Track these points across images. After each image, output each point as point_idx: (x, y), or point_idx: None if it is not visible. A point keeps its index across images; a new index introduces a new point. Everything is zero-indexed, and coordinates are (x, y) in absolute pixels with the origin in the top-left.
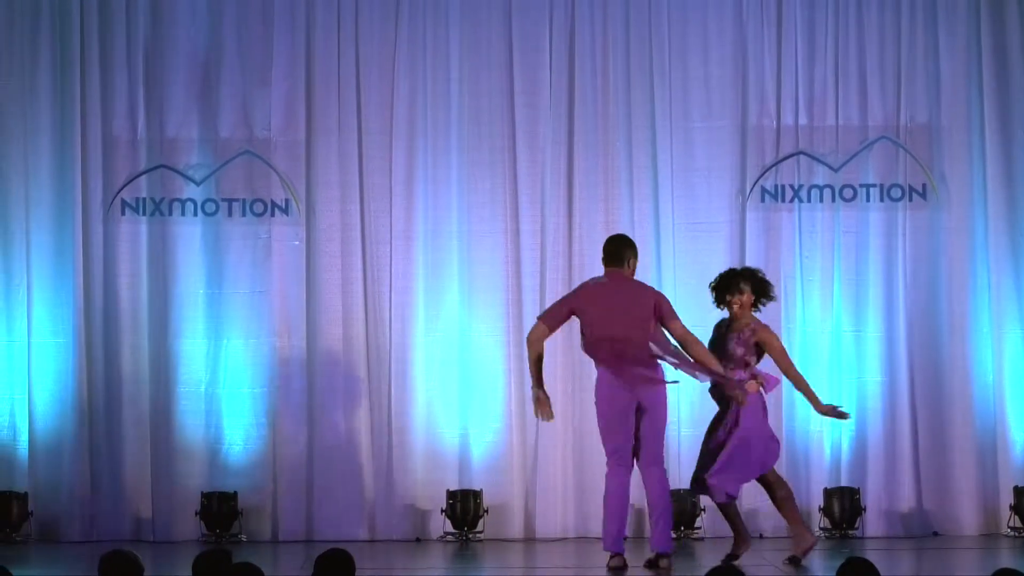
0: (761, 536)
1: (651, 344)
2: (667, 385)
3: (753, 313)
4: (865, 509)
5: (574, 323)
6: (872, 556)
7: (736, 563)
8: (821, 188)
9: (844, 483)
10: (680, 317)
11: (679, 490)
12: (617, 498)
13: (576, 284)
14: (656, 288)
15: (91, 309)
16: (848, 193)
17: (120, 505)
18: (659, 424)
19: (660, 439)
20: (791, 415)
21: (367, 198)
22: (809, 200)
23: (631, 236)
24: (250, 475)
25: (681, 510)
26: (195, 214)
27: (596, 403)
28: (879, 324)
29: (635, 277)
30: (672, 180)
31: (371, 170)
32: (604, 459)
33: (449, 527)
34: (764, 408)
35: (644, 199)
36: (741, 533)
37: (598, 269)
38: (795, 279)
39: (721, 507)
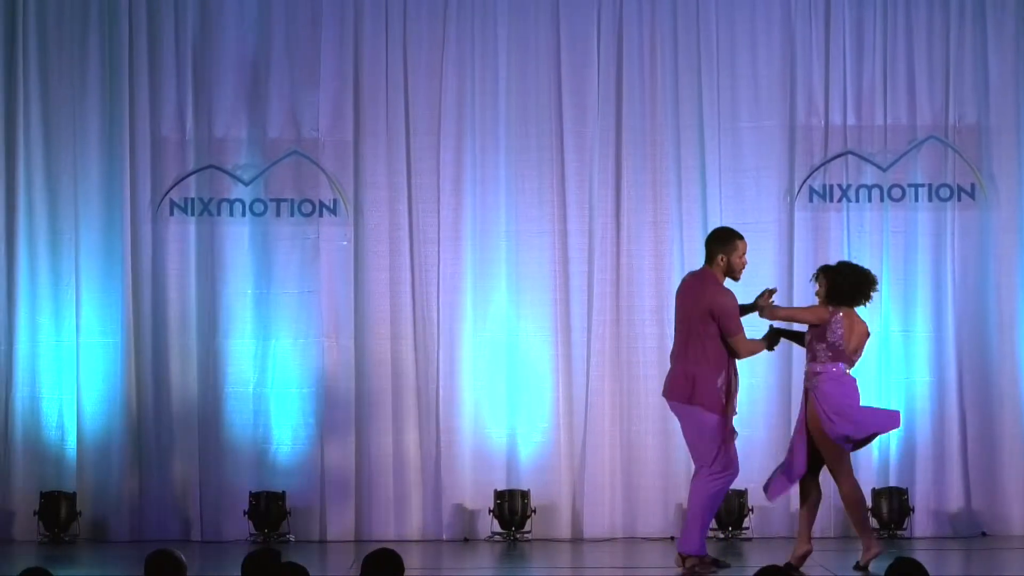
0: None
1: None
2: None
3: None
4: (913, 509)
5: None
6: (921, 556)
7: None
8: (869, 188)
9: (893, 483)
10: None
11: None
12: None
13: (624, 284)
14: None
15: (139, 309)
16: (896, 193)
17: (168, 505)
18: (686, 435)
19: (692, 448)
20: None
21: (415, 198)
22: (857, 200)
23: (679, 236)
24: (298, 475)
25: (728, 510)
26: (243, 214)
27: None
28: (927, 324)
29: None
30: (720, 180)
31: (419, 170)
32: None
33: (497, 527)
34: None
35: (692, 199)
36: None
37: (646, 269)
38: None
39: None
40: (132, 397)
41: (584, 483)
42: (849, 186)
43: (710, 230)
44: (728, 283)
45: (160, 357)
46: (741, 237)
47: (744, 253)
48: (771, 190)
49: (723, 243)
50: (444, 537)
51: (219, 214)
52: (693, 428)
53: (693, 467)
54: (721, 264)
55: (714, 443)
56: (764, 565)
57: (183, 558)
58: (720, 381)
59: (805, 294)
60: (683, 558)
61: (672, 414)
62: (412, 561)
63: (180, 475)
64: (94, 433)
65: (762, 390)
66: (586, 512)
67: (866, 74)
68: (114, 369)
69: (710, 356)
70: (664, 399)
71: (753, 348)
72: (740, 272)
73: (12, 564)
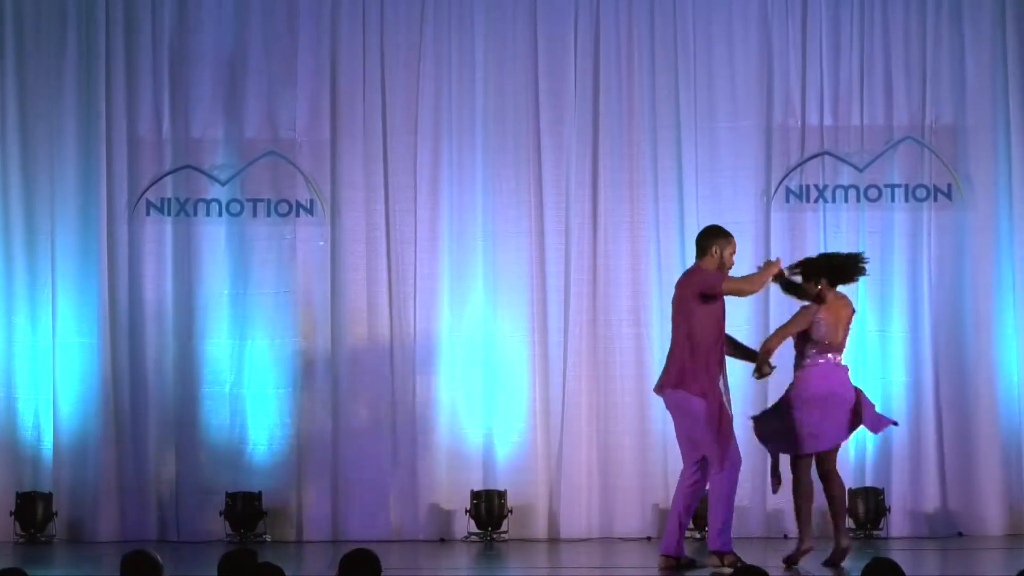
0: (785, 536)
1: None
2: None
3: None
4: (890, 509)
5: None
6: (897, 556)
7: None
8: (846, 188)
9: (869, 483)
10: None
11: None
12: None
13: (601, 284)
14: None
15: (116, 309)
16: (873, 193)
17: (145, 505)
18: (676, 429)
19: (684, 443)
20: None
21: (392, 198)
22: (834, 200)
23: (656, 236)
24: (275, 475)
25: (703, 510)
26: (220, 214)
27: None
28: (904, 324)
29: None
30: (697, 180)
31: (396, 170)
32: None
33: (473, 527)
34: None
35: (669, 199)
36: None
37: (623, 269)
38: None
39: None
40: (108, 397)
41: (561, 483)
42: (826, 186)
43: (687, 231)
44: None
45: (137, 357)
46: (732, 235)
47: (734, 252)
48: (748, 190)
49: (718, 236)
50: (420, 537)
51: (195, 214)
52: (679, 417)
53: (674, 466)
54: (715, 256)
55: (711, 433)
56: (741, 565)
57: (159, 558)
58: (701, 365)
59: (782, 296)
60: (719, 556)
61: (651, 415)
62: (389, 561)
63: (156, 475)
64: (70, 433)
65: (739, 390)
66: (563, 512)
67: (843, 74)
68: (90, 369)
69: (692, 341)
70: (651, 401)
71: (753, 280)
72: (729, 270)
73: None
